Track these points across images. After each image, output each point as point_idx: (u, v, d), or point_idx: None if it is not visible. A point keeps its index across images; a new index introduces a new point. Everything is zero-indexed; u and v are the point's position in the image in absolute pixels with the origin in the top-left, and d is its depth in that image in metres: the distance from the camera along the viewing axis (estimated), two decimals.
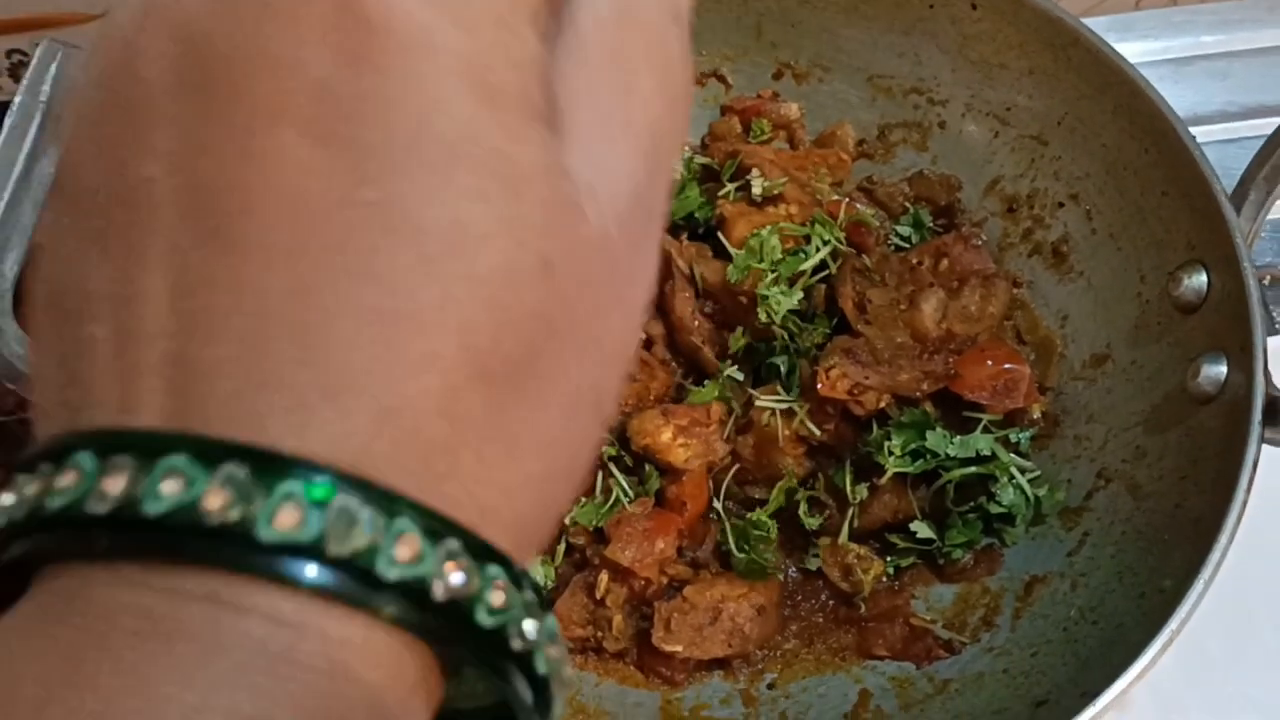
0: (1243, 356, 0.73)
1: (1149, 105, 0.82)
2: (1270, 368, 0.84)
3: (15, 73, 1.25)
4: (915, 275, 0.89)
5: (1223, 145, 1.12)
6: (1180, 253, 0.80)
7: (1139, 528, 0.76)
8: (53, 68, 0.74)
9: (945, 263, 0.90)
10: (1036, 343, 0.89)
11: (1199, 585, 0.65)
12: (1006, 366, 0.83)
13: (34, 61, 0.74)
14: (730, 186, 0.91)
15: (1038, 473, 0.82)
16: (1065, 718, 0.64)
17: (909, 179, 0.96)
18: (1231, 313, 0.75)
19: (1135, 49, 1.19)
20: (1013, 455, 0.81)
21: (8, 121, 0.73)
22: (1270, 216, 1.05)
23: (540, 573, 0.81)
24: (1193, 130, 1.12)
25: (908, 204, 0.95)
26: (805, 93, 0.99)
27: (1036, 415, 0.84)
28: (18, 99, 0.73)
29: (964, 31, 0.91)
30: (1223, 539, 0.66)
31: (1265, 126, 1.13)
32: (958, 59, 0.93)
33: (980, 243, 0.91)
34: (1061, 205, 0.90)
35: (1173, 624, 0.65)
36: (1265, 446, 0.70)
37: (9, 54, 1.24)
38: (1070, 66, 0.87)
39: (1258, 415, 0.70)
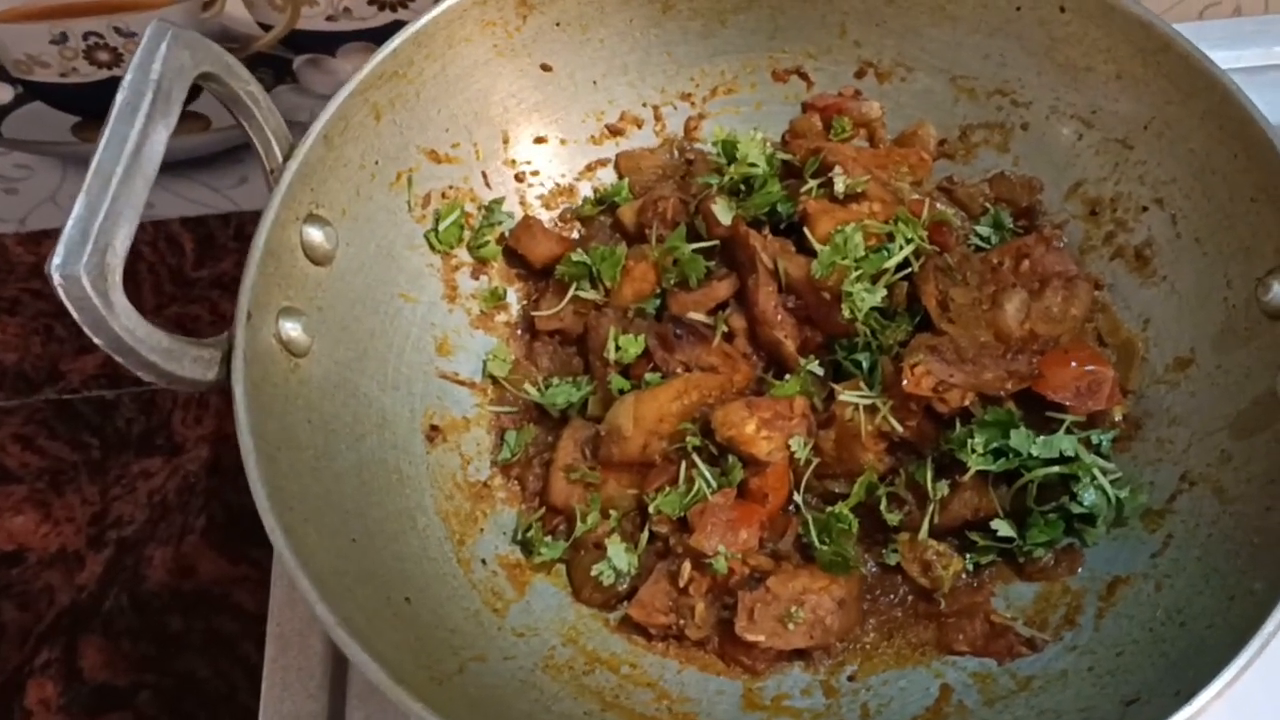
0: None
1: (1240, 111, 0.83)
2: None
3: (92, 55, 1.27)
4: (997, 275, 0.90)
5: None
6: (1269, 259, 0.80)
7: (1226, 531, 0.76)
8: (162, 47, 0.75)
9: (1027, 264, 0.90)
10: (1118, 345, 0.89)
11: None
12: (1090, 368, 0.84)
13: (144, 40, 0.75)
14: (813, 183, 0.91)
15: (1119, 474, 0.82)
16: (1160, 717, 0.64)
17: (989, 180, 0.97)
18: None
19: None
20: (1094, 456, 0.82)
21: (119, 99, 0.74)
22: None
23: (625, 560, 0.81)
24: None
25: (988, 205, 0.96)
26: (887, 92, 0.99)
27: (1119, 418, 0.85)
28: (129, 77, 0.74)
29: (1052, 34, 0.91)
30: None
31: None
32: (1044, 61, 0.93)
33: (1062, 244, 0.91)
34: (1145, 209, 0.90)
35: (1269, 627, 0.65)
36: None
37: (85, 36, 1.26)
38: (1160, 71, 0.87)
39: None
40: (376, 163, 0.88)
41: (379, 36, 1.28)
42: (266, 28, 1.27)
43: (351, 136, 0.85)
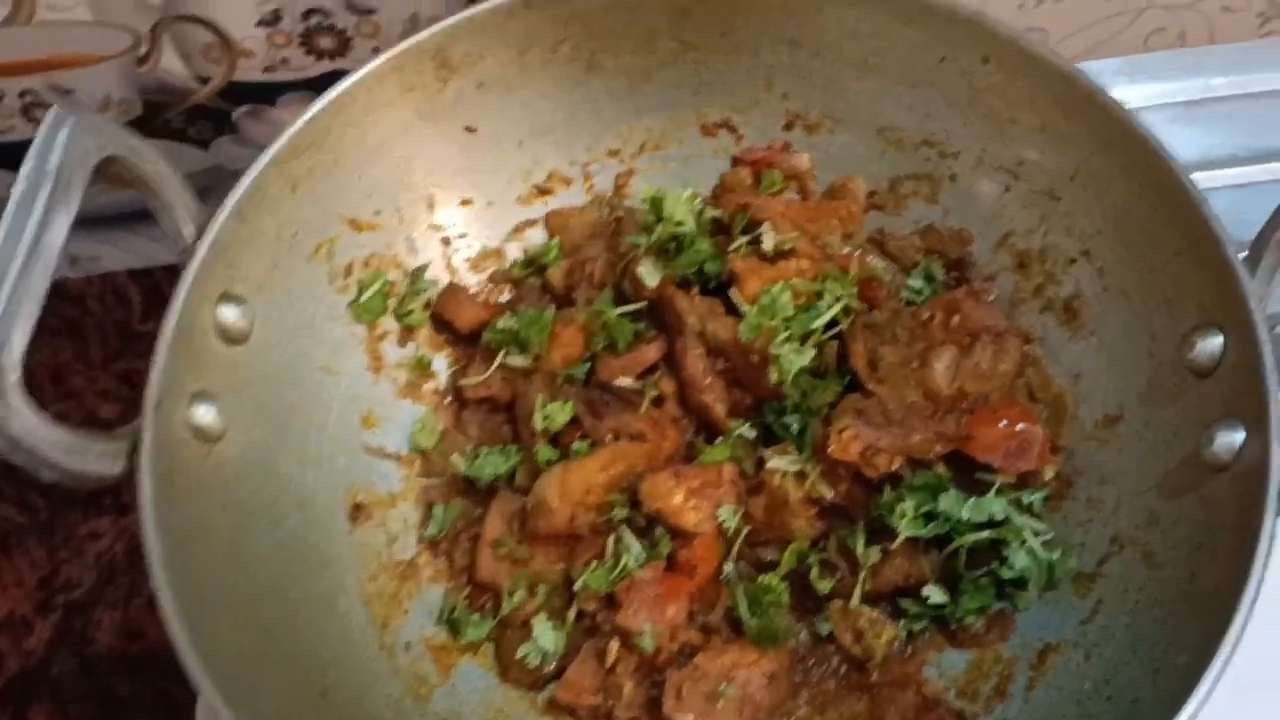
0: (1258, 425, 0.72)
1: (1160, 163, 0.82)
2: None
3: (28, 112, 1.26)
4: (927, 331, 0.89)
5: (1235, 190, 1.12)
6: (1193, 314, 0.80)
7: (1153, 597, 0.75)
8: (62, 134, 0.74)
9: (957, 318, 0.89)
10: (1049, 400, 0.88)
11: (1216, 664, 0.65)
12: (1020, 427, 0.83)
13: (43, 128, 0.74)
14: (741, 240, 0.90)
15: (1050, 535, 0.81)
16: None
17: (920, 232, 0.96)
18: (1247, 380, 0.74)
19: (1146, 91, 1.19)
20: (1026, 518, 0.81)
21: (16, 189, 0.72)
22: None
23: (552, 639, 0.80)
24: (1204, 175, 1.13)
25: (919, 257, 0.95)
26: (816, 144, 0.98)
27: (1050, 476, 0.84)
28: (26, 166, 0.73)
29: (975, 85, 0.91)
30: (1239, 617, 0.66)
31: (1277, 171, 1.14)
32: (969, 112, 0.92)
33: (992, 298, 0.90)
34: (1073, 261, 0.89)
35: (1190, 706, 0.64)
36: None
37: (21, 95, 1.24)
38: (1082, 123, 0.86)
39: (1274, 488, 0.70)
40: (295, 235, 0.87)
41: (318, 86, 1.26)
42: (204, 80, 1.26)
43: (267, 210, 0.84)
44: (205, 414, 0.78)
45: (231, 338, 0.81)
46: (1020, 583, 0.80)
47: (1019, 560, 0.79)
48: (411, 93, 0.91)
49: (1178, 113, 1.17)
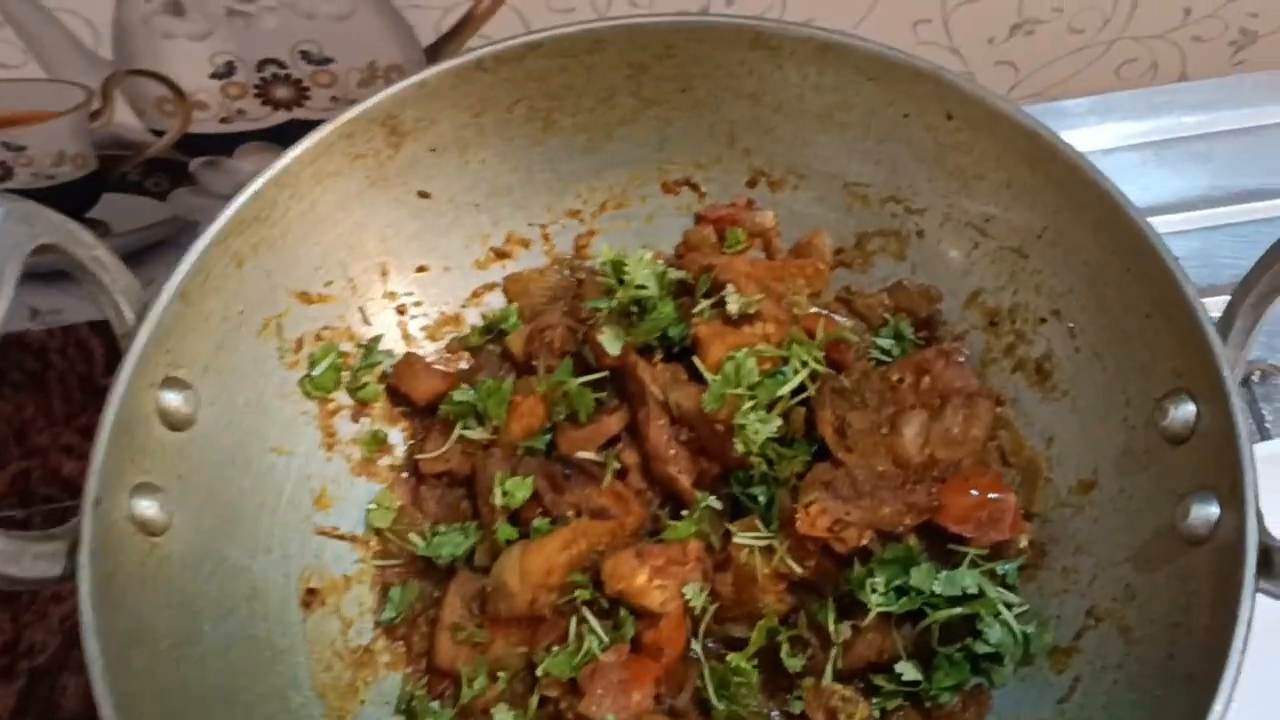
0: (1233, 499, 0.70)
1: (1130, 224, 0.80)
2: (1265, 475, 0.81)
3: None
4: (896, 394, 0.86)
5: (1207, 233, 1.10)
6: (1166, 379, 0.78)
7: (1131, 677, 0.73)
8: None
9: (927, 379, 0.87)
10: (1021, 464, 0.86)
11: None
12: (991, 496, 0.80)
13: None
14: (705, 304, 0.88)
15: (1026, 608, 0.79)
16: None
17: (888, 289, 0.94)
18: (1221, 449, 0.72)
19: (1117, 131, 1.18)
20: (1000, 590, 0.79)
21: None
22: None
23: None
24: (1178, 217, 1.12)
25: (888, 315, 0.93)
26: (780, 200, 0.96)
27: (1024, 544, 0.82)
28: None
29: (940, 140, 0.89)
30: (1217, 708, 0.64)
31: (1250, 212, 1.12)
32: (934, 168, 0.90)
33: (963, 358, 0.88)
34: (1044, 321, 0.87)
35: None
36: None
37: None
38: (1049, 180, 0.84)
39: (1251, 567, 0.67)
40: (241, 312, 0.84)
41: (275, 136, 1.25)
42: (159, 133, 1.24)
43: (212, 289, 0.81)
44: (149, 507, 0.75)
45: (175, 424, 0.78)
46: (996, 657, 0.78)
47: (994, 634, 0.77)
48: (361, 160, 0.88)
49: (1149, 154, 1.15)
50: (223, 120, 1.24)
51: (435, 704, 0.82)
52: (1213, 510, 0.72)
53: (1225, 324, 0.76)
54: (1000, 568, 0.80)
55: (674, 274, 0.91)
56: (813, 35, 0.87)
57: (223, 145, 1.27)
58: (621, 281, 0.89)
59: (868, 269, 0.95)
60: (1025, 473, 0.86)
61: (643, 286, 0.88)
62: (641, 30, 0.89)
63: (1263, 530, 0.69)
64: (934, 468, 0.83)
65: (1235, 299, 0.76)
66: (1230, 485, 0.70)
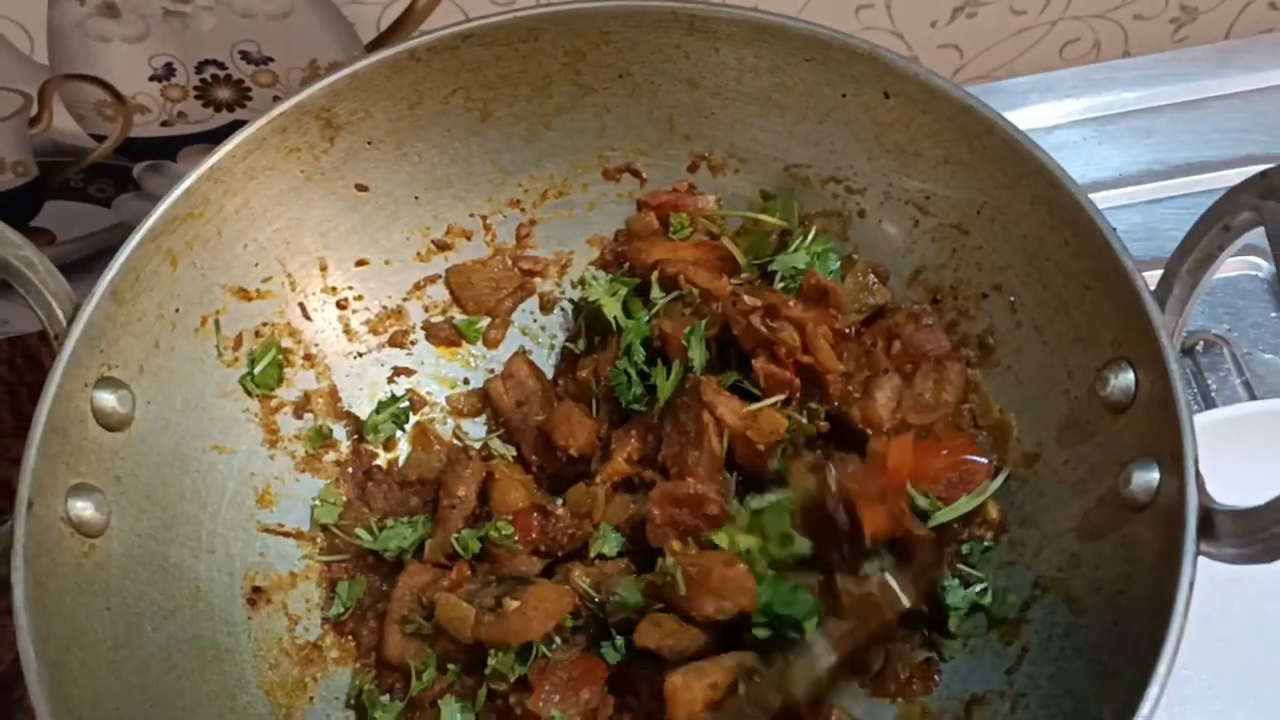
0: (1173, 464, 0.70)
1: (1068, 197, 0.80)
2: (1209, 443, 0.82)
3: None
4: (870, 359, 0.86)
5: (1150, 206, 1.11)
6: (1106, 349, 0.78)
7: (1077, 645, 0.73)
8: None
9: (898, 344, 0.87)
10: (991, 426, 0.85)
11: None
12: (965, 458, 0.81)
13: None
14: (663, 299, 0.88)
15: (986, 583, 0.79)
16: None
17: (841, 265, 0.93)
18: (1161, 416, 0.72)
19: (1059, 109, 1.18)
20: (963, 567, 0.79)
21: None
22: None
23: None
24: (1120, 191, 1.12)
25: None
26: (722, 184, 0.96)
27: (994, 515, 0.82)
28: None
29: (878, 119, 0.89)
30: (1161, 669, 0.64)
31: (1191, 185, 1.13)
32: (874, 147, 0.90)
33: (930, 321, 0.88)
34: (985, 296, 0.87)
35: None
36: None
37: None
38: (985, 156, 0.84)
39: (1192, 530, 0.67)
40: (177, 310, 0.83)
41: (219, 138, 1.22)
42: (100, 138, 1.22)
43: (145, 288, 0.80)
44: (85, 508, 0.74)
45: (111, 425, 0.77)
46: (944, 629, 0.78)
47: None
48: (296, 154, 0.88)
49: (1091, 130, 1.16)
50: (164, 124, 1.23)
51: (385, 697, 0.81)
52: (1154, 476, 0.72)
53: (1162, 292, 0.76)
54: (967, 548, 0.81)
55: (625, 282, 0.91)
56: (746, 17, 0.87)
57: (166, 149, 1.25)
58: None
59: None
60: (996, 434, 0.85)
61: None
62: (576, 17, 0.89)
63: (1203, 493, 0.69)
64: (906, 431, 0.83)
65: (1171, 267, 0.77)
66: (1171, 451, 0.71)
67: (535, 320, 0.99)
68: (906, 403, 0.84)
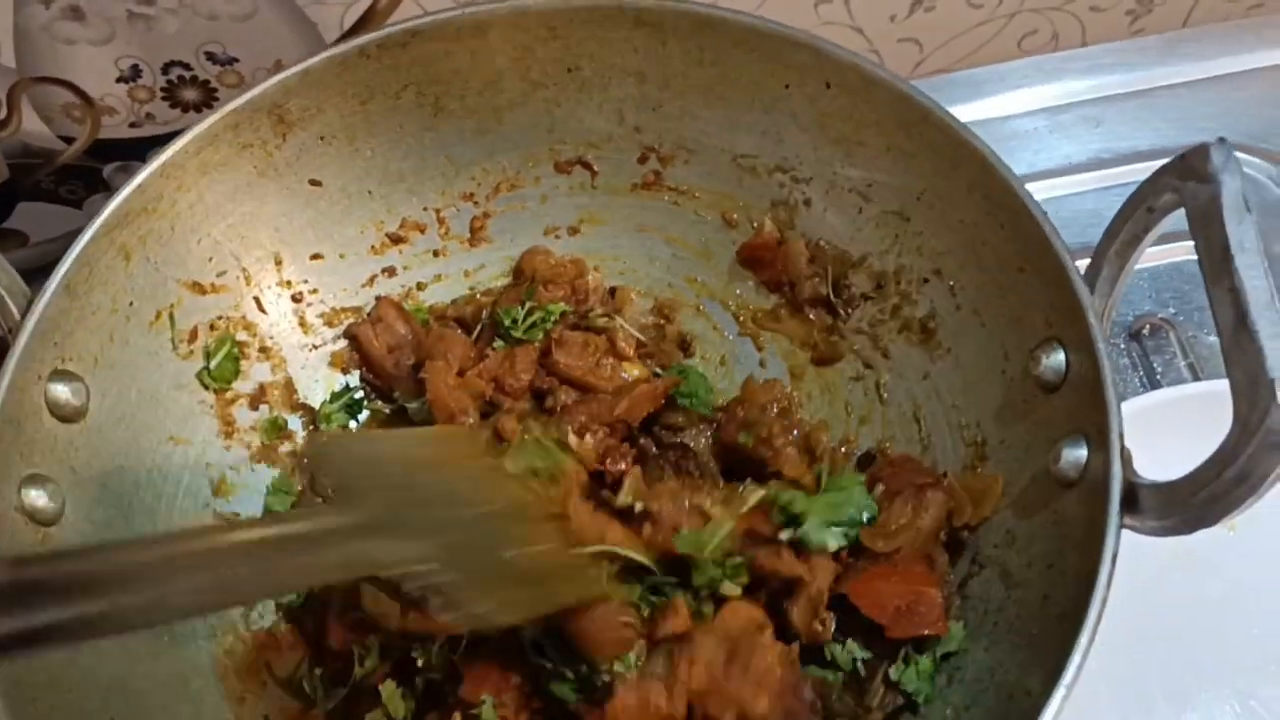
0: (1100, 439, 0.72)
1: (1001, 182, 0.81)
2: (1154, 424, 0.83)
3: None
4: None
5: (1100, 193, 1.12)
6: (1039, 330, 0.79)
7: (1010, 619, 0.75)
8: None
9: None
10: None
11: (1060, 692, 0.64)
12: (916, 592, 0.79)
13: None
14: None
15: None
16: None
17: (809, 248, 0.95)
18: (1089, 394, 0.74)
19: (1013, 99, 1.20)
20: None
21: None
22: (1146, 265, 1.06)
23: (400, 708, 0.78)
24: (1069, 179, 1.14)
25: (808, 270, 0.94)
26: (672, 175, 0.98)
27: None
28: None
29: (821, 109, 0.90)
30: (1082, 640, 0.65)
31: (1140, 173, 1.12)
32: (818, 137, 0.92)
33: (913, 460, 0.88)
34: (926, 281, 0.89)
35: None
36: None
37: None
38: (923, 143, 0.86)
39: (1115, 503, 0.69)
40: (131, 304, 0.84)
41: None
42: (68, 140, 1.23)
43: (99, 281, 0.82)
44: (39, 497, 0.75)
45: (65, 416, 0.79)
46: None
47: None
48: (249, 150, 0.89)
49: (1043, 120, 1.17)
50: (133, 125, 1.24)
51: (331, 685, 0.82)
52: (1082, 453, 0.73)
53: (1092, 274, 0.78)
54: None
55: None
56: (689, 10, 0.89)
57: (135, 150, 1.27)
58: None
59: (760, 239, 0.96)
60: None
61: None
62: (524, 13, 0.90)
63: (1128, 468, 0.70)
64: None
65: (1100, 249, 0.78)
66: (1097, 427, 0.72)
67: None
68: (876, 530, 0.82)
